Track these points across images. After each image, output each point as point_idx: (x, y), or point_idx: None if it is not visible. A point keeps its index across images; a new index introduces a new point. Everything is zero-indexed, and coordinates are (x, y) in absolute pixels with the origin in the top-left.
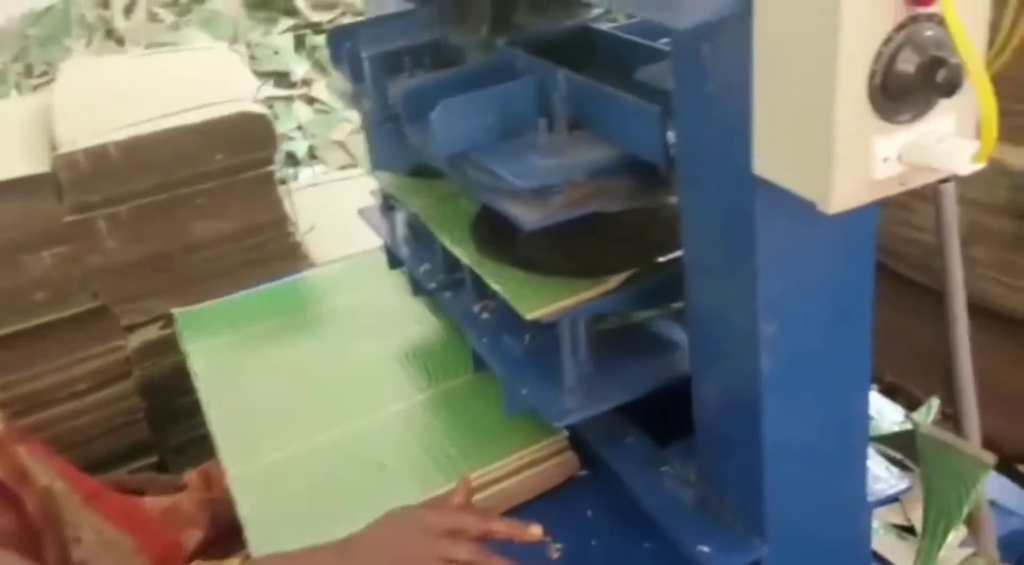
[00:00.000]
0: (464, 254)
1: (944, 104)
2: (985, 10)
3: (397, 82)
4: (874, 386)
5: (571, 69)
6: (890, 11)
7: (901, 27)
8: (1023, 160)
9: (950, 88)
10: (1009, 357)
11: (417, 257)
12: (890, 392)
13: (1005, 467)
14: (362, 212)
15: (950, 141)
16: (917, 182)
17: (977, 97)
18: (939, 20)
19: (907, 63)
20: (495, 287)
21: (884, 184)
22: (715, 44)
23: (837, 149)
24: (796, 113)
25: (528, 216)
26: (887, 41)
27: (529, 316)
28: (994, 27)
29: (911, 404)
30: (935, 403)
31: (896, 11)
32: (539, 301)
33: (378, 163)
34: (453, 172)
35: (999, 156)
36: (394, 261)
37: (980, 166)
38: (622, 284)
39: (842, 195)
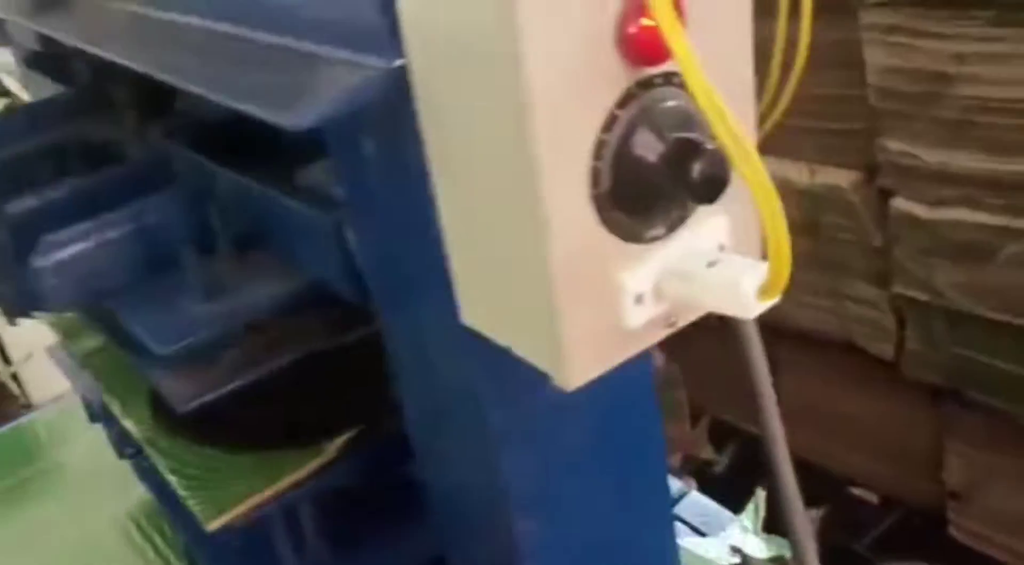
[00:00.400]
0: (136, 426)
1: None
2: (747, 57)
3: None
4: (694, 484)
5: (259, 165)
6: (609, 76)
7: (628, 98)
8: (807, 176)
9: (712, 188)
10: (823, 378)
11: (110, 414)
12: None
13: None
14: (52, 351)
15: (726, 266)
16: (693, 317)
17: (753, 197)
18: (682, 82)
19: (646, 150)
20: (168, 478)
21: (644, 332)
22: (378, 139)
23: (560, 295)
24: (498, 242)
25: (181, 391)
26: (610, 123)
27: (211, 526)
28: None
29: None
30: (761, 495)
31: (618, 75)
32: (227, 495)
33: (12, 309)
34: (91, 325)
35: (784, 174)
36: (93, 415)
37: (773, 302)
38: (345, 449)
39: (582, 361)
